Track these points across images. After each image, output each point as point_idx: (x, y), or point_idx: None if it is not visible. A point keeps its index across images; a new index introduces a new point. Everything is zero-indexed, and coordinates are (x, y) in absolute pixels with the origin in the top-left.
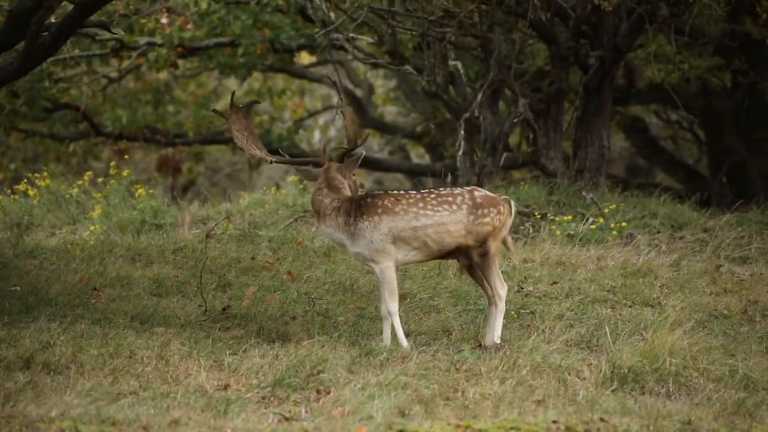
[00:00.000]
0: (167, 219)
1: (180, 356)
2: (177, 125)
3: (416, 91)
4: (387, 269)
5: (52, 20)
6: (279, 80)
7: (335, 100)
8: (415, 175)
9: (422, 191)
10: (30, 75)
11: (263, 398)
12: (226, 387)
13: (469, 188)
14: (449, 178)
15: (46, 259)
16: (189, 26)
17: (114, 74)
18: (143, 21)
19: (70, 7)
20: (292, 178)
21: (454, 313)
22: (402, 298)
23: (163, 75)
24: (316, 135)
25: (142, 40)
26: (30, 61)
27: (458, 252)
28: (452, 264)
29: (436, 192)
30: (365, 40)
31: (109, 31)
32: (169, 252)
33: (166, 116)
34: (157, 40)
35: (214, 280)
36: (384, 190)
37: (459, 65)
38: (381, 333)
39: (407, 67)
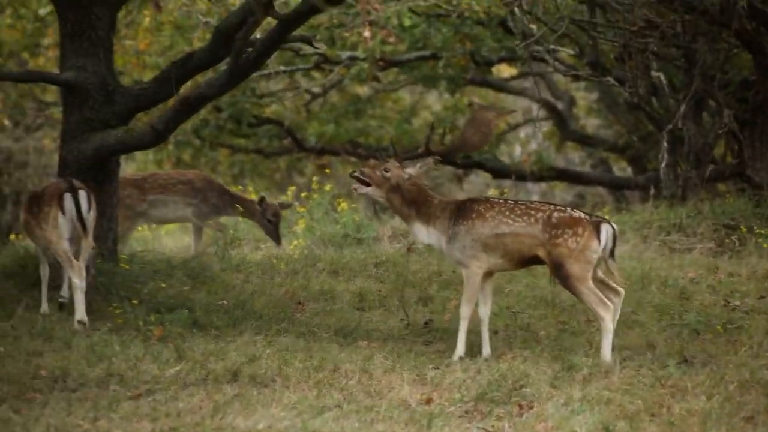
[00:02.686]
0: (369, 233)
1: (383, 370)
2: (379, 140)
3: (618, 103)
4: (473, 275)
5: (257, 36)
6: (473, 94)
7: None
8: (618, 188)
9: (518, 201)
10: (234, 91)
11: (466, 412)
12: (429, 401)
13: (557, 206)
14: (653, 191)
15: (252, 273)
16: (391, 39)
17: (317, 89)
18: (346, 35)
19: (274, 22)
20: (493, 190)
21: (657, 328)
22: None
23: (364, 89)
24: (517, 149)
25: (344, 54)
26: (235, 77)
27: (540, 262)
28: (655, 278)
29: (525, 204)
30: (566, 52)
31: (312, 46)
32: (371, 265)
33: (368, 131)
34: (360, 54)
35: (415, 293)
36: (486, 196)
37: (662, 76)
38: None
39: (609, 78)
